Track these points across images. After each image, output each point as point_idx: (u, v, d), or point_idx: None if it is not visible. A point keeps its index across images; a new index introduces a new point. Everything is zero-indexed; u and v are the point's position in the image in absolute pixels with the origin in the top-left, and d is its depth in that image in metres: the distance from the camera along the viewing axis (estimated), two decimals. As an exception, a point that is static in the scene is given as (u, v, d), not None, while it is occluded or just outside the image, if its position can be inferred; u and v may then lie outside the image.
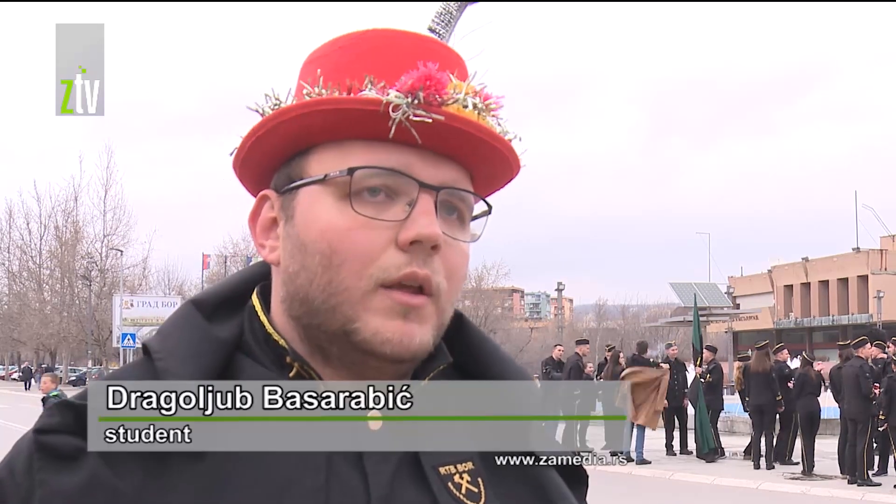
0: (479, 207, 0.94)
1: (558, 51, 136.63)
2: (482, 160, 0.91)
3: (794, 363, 15.59)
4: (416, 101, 0.85)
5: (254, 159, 0.93)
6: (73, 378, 52.98)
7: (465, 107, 0.87)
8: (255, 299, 0.93)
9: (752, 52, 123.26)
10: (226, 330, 0.90)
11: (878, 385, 12.43)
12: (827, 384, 14.36)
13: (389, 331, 0.85)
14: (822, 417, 14.11)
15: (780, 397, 14.04)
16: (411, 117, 0.84)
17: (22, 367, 55.27)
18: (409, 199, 0.86)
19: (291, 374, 0.88)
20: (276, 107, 0.90)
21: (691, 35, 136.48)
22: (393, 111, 0.84)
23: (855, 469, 12.43)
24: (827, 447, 14.20)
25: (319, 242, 0.86)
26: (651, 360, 16.37)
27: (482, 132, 0.88)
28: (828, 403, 14.53)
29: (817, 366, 14.82)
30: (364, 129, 0.87)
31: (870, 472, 12.42)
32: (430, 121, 0.85)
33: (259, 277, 0.96)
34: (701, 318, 25.09)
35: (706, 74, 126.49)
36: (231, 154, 0.94)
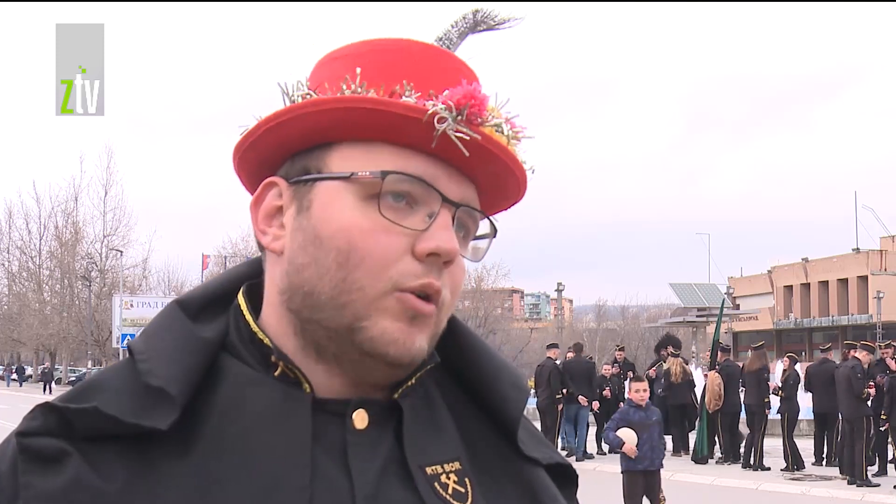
0: (483, 226, 0.94)
1: (594, 50, 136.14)
2: (498, 184, 0.92)
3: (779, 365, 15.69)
4: (459, 117, 0.85)
5: (267, 143, 0.91)
6: (73, 378, 52.99)
7: (499, 131, 0.89)
8: (240, 298, 0.93)
9: (778, 53, 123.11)
10: (210, 330, 0.89)
11: (872, 385, 12.46)
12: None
13: (396, 331, 0.85)
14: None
15: (768, 399, 14.15)
16: (454, 132, 0.85)
17: (41, 368, 54.81)
18: (429, 211, 0.87)
19: (276, 374, 0.87)
20: (308, 96, 0.89)
21: (723, 35, 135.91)
22: (438, 123, 0.84)
23: (854, 469, 12.43)
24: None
25: (338, 239, 0.85)
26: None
27: (509, 158, 0.90)
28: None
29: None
30: (396, 133, 0.87)
31: (869, 473, 12.43)
32: (469, 138, 0.85)
33: (245, 277, 0.96)
34: (700, 319, 25.10)
35: (741, 73, 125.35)
36: (241, 132, 0.92)
